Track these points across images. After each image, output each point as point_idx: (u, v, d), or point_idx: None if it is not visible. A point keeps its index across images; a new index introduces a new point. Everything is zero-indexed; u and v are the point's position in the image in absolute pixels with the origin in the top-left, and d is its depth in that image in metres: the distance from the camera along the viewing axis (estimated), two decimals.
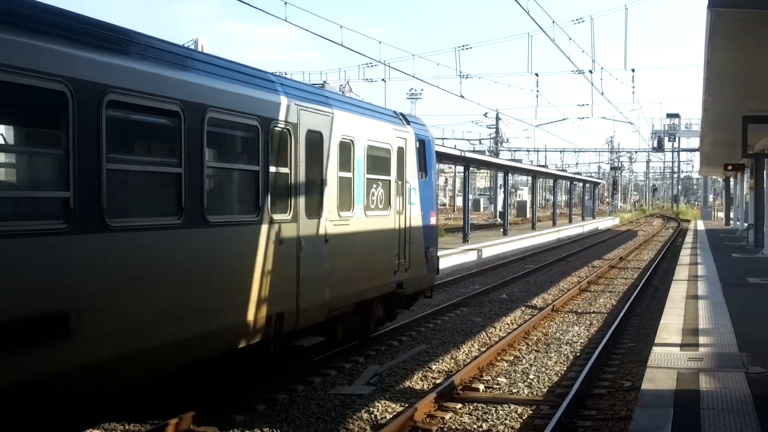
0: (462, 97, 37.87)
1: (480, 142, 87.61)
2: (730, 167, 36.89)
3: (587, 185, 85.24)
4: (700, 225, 58.91)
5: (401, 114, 15.17)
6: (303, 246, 10.70)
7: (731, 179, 57.28)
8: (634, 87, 75.37)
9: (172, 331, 8.15)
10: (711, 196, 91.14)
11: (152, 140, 8.86)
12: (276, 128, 10.10)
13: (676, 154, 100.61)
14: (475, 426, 9.56)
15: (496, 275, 26.31)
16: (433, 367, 12.58)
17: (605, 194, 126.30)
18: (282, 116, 10.25)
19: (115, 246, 7.44)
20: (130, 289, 7.61)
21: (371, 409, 10.10)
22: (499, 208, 65.25)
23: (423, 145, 15.26)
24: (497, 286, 22.75)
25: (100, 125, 7.19)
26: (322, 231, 11.25)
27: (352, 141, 12.19)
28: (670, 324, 12.97)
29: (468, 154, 39.58)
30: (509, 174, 50.24)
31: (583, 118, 73.99)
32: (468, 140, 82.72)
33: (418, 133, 15.13)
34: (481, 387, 11.29)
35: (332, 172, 11.58)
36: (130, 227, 7.65)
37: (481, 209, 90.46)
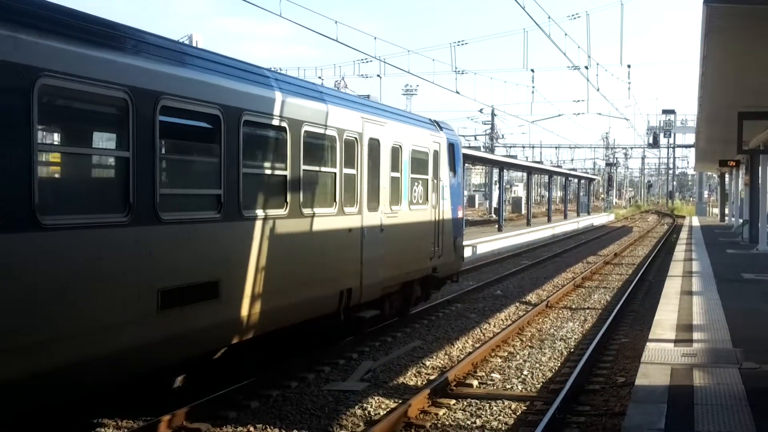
0: (457, 93, 37.89)
1: (475, 138, 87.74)
2: (725, 163, 36.92)
3: (582, 181, 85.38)
4: (695, 221, 59.02)
5: (435, 121, 17.38)
6: (365, 234, 12.92)
7: (726, 175, 57.35)
8: (629, 83, 75.18)
9: (283, 298, 10.49)
10: (706, 192, 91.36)
11: (270, 151, 10.71)
12: (347, 137, 12.33)
13: (671, 150, 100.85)
14: (468, 422, 9.54)
15: (491, 271, 26.31)
16: (427, 363, 12.56)
17: (600, 190, 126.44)
18: (352, 127, 12.53)
19: (247, 231, 9.68)
20: (258, 264, 9.83)
21: (365, 405, 10.08)
22: (494, 204, 65.27)
23: (452, 148, 17.48)
24: (492, 282, 22.74)
25: (239, 141, 9.43)
26: (378, 222, 13.47)
27: (400, 146, 14.41)
28: (665, 320, 12.97)
29: (463, 150, 39.52)
30: (504, 170, 50.25)
31: (578, 114, 73.99)
32: (463, 136, 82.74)
33: (449, 137, 17.40)
34: (475, 383, 11.27)
35: (385, 173, 13.77)
36: (257, 217, 9.88)
37: (476, 205, 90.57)
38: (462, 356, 13.05)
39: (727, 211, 56.93)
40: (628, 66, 63.54)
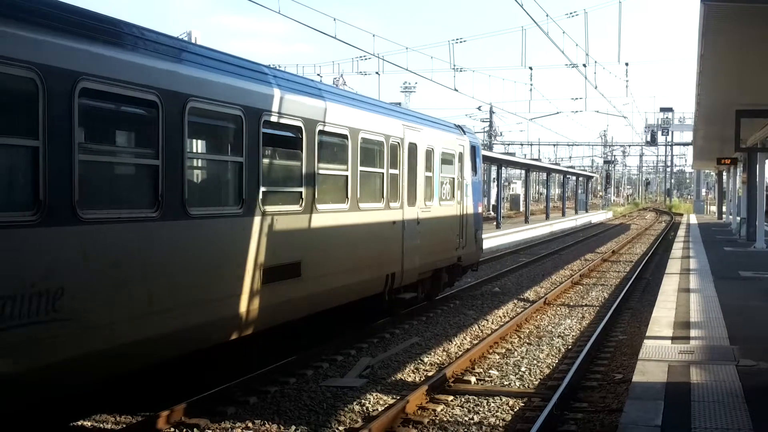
0: (456, 90, 37.89)
1: None
2: (723, 161, 36.99)
3: (580, 179, 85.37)
4: (693, 219, 59.10)
5: (459, 126, 19.52)
6: (405, 226, 14.84)
7: (724, 173, 57.42)
8: (627, 81, 75.36)
9: (341, 280, 12.34)
10: (704, 190, 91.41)
11: (337, 155, 12.58)
12: (392, 142, 14.31)
13: (669, 147, 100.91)
14: (466, 418, 9.57)
15: (489, 268, 26.34)
16: (426, 359, 12.59)
17: (598, 188, 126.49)
18: (395, 133, 14.47)
19: (320, 221, 11.59)
20: (324, 250, 11.78)
21: (363, 401, 10.10)
22: (492, 201, 65.30)
23: (474, 150, 19.46)
24: (490, 279, 22.77)
25: (316, 148, 11.40)
26: (415, 215, 15.36)
27: (432, 149, 16.31)
28: (662, 317, 13.01)
29: None
30: (502, 167, 50.27)
31: (576, 111, 74.11)
32: None
33: (471, 140, 19.44)
34: (473, 379, 11.30)
35: (421, 172, 15.63)
36: (327, 210, 11.79)
37: None
38: (460, 353, 13.08)
39: (724, 208, 56.99)
40: (626, 64, 63.71)
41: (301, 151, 11.15)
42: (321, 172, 11.68)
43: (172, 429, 8.94)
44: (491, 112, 76.38)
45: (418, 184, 15.45)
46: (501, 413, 9.78)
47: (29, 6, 6.85)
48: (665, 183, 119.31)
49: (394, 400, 10.03)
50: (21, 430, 7.76)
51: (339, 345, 13.05)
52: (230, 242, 9.52)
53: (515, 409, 9.96)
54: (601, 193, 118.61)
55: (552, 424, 9.10)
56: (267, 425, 9.16)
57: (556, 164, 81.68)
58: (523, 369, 12.10)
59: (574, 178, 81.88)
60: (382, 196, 13.93)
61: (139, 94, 7.97)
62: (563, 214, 65.99)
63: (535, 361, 12.64)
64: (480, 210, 20.31)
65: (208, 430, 9.00)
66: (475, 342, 13.96)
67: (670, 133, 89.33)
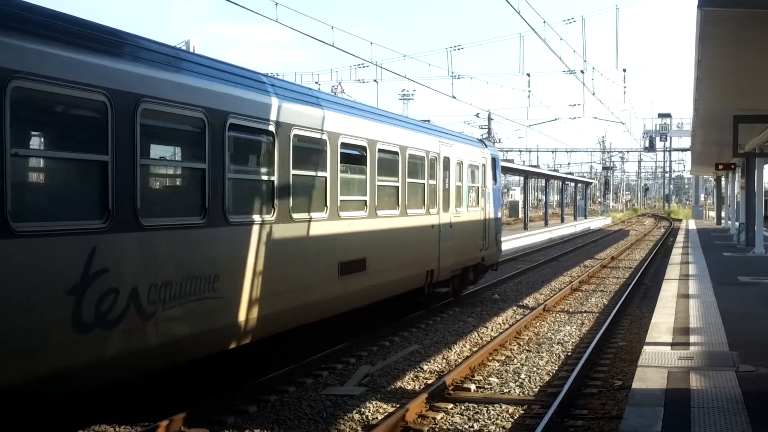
0: (454, 97, 37.75)
1: None
2: (721, 166, 37.00)
3: (579, 185, 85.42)
4: (692, 224, 59.09)
5: (482, 140, 23.07)
6: (441, 229, 16.94)
7: (722, 178, 57.44)
8: (625, 87, 75.43)
9: (394, 275, 14.56)
10: (702, 196, 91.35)
11: (391, 169, 14.64)
12: (431, 156, 16.49)
13: (667, 153, 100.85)
14: (466, 426, 9.55)
15: (488, 275, 26.27)
16: (425, 367, 12.57)
17: (597, 194, 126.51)
18: (433, 149, 16.69)
19: (380, 224, 13.92)
20: (383, 249, 14.01)
21: (362, 409, 10.09)
22: None
23: (494, 162, 21.65)
24: (489, 286, 22.75)
25: (376, 163, 13.73)
26: (449, 220, 17.48)
27: (462, 162, 18.50)
28: (661, 323, 12.99)
29: None
30: (501, 174, 50.24)
31: (574, 118, 74.07)
32: None
33: (492, 153, 21.62)
34: (473, 387, 11.29)
35: (453, 182, 17.75)
36: (384, 215, 14.15)
37: None
38: (460, 360, 13.07)
39: (723, 214, 57.01)
40: (624, 70, 63.84)
41: (365, 165, 13.45)
42: (379, 183, 13.93)
43: None
44: (489, 119, 76.37)
45: (450, 193, 17.64)
46: (501, 421, 9.77)
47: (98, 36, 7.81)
48: (664, 189, 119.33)
49: (393, 408, 10.02)
50: None
51: (338, 353, 13.03)
52: (317, 242, 11.78)
53: (515, 417, 9.95)
54: (599, 199, 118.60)
55: (552, 431, 9.09)
56: None
57: (555, 171, 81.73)
58: (522, 376, 12.08)
59: (572, 184, 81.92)
60: (424, 203, 16.08)
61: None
62: (562, 221, 65.99)
63: (534, 368, 12.63)
64: (499, 215, 22.60)
65: None
66: (475, 349, 13.94)
67: (668, 138, 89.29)
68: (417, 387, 11.37)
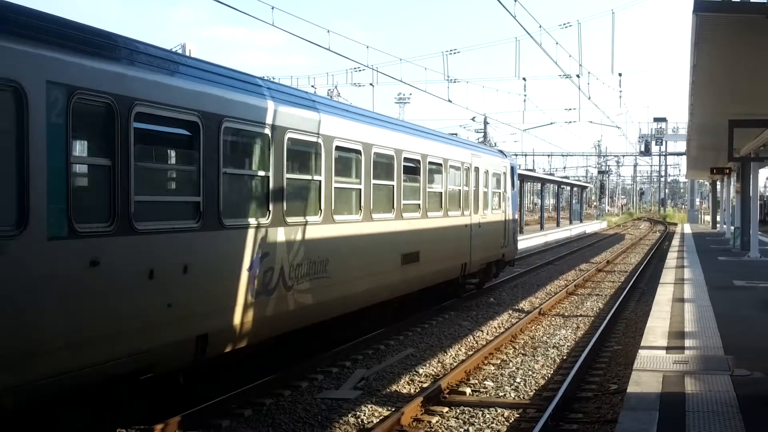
0: (450, 101, 37.76)
1: None
2: (716, 171, 37.06)
3: (575, 189, 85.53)
4: (687, 228, 59.22)
5: (502, 151, 26.48)
6: (472, 229, 19.70)
7: (718, 183, 57.57)
8: (621, 91, 75.37)
9: (439, 266, 17.31)
10: (698, 200, 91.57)
11: (438, 178, 17.50)
12: (465, 167, 19.27)
13: (663, 157, 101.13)
14: (461, 429, 9.55)
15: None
16: (420, 371, 12.57)
17: (593, 198, 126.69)
18: (467, 160, 19.54)
19: (428, 222, 16.60)
20: (431, 244, 16.59)
21: (358, 413, 10.09)
22: None
23: (513, 170, 24.60)
24: (485, 290, 22.75)
25: (427, 173, 16.37)
26: (478, 221, 20.25)
27: (488, 171, 21.47)
28: (656, 327, 13.02)
29: None
30: None
31: (570, 122, 74.04)
32: None
33: (510, 162, 24.72)
34: (468, 390, 11.29)
35: (481, 189, 20.65)
36: (432, 216, 16.78)
37: None
38: (455, 364, 13.07)
39: (718, 218, 57.13)
40: (620, 74, 63.70)
41: (418, 175, 16.14)
42: (429, 189, 16.69)
43: None
44: (485, 123, 76.44)
45: (479, 197, 20.44)
46: (496, 424, 9.77)
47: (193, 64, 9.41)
48: (659, 193, 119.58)
49: (389, 412, 10.01)
50: None
51: (334, 357, 13.03)
52: (390, 236, 14.62)
53: (510, 421, 9.95)
54: (595, 203, 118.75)
55: None
56: None
57: (551, 174, 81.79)
58: (518, 380, 12.09)
59: (568, 188, 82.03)
60: (460, 206, 18.81)
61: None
62: (558, 225, 66.06)
63: (530, 372, 12.63)
64: (516, 217, 25.52)
65: None
66: (470, 353, 13.95)
67: (663, 143, 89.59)
68: (412, 390, 11.37)
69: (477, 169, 20.21)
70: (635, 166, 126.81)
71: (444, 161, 17.67)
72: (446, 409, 10.34)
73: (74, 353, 7.20)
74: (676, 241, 41.20)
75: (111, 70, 7.80)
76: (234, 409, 10.01)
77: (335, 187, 12.28)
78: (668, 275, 22.20)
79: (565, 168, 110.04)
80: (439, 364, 13.11)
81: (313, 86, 51.72)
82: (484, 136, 78.67)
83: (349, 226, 12.94)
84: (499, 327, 16.93)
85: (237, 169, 10.06)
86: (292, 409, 10.24)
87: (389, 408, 10.29)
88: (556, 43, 28.04)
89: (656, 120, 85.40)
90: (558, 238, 54.08)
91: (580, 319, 18.25)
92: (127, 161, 7.80)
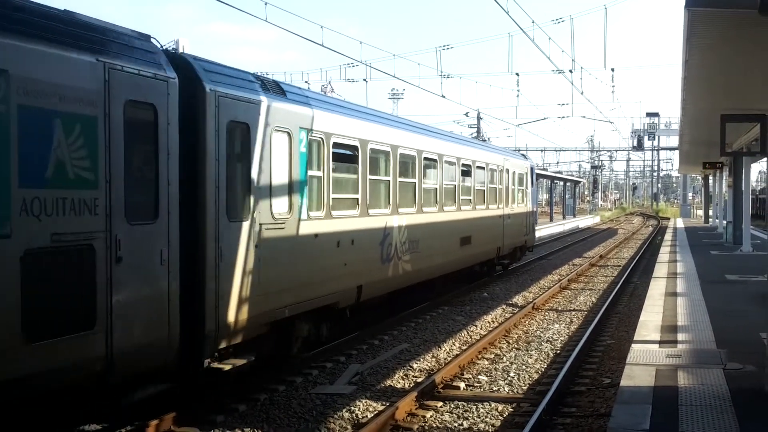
0: (443, 96, 37.73)
1: None
2: (709, 165, 37.16)
3: (568, 184, 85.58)
4: (680, 223, 59.34)
5: (523, 154, 32.89)
6: (504, 219, 24.28)
7: (710, 177, 57.69)
8: (613, 86, 75.47)
9: (483, 247, 21.85)
10: (690, 194, 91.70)
11: (481, 178, 22.02)
12: (500, 168, 23.93)
13: (655, 152, 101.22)
14: (455, 424, 9.59)
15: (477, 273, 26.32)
16: (415, 365, 12.61)
17: (586, 193, 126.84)
18: (500, 163, 24.19)
19: (477, 215, 21.14)
20: (478, 230, 20.94)
21: (352, 408, 10.11)
22: None
23: (532, 170, 29.25)
24: (478, 285, 22.80)
25: (473, 175, 21.24)
26: (508, 212, 24.91)
27: (515, 171, 26.13)
28: (649, 321, 13.08)
29: None
30: None
31: (563, 117, 74.01)
32: None
33: (531, 163, 29.47)
34: (462, 385, 11.33)
35: (510, 186, 25.42)
36: (479, 208, 21.37)
37: None
38: (449, 359, 13.11)
39: (711, 212, 57.26)
40: (612, 69, 63.92)
41: (470, 176, 20.79)
42: (477, 187, 21.31)
43: None
44: (479, 118, 76.41)
45: (509, 193, 25.07)
46: (490, 419, 9.81)
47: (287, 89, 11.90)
48: (652, 187, 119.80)
49: (383, 407, 10.05)
50: None
51: (328, 352, 13.05)
52: (452, 222, 19.08)
53: (504, 415, 9.99)
54: (588, 198, 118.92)
55: (541, 429, 9.14)
56: None
57: (544, 169, 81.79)
58: (512, 374, 12.13)
59: (561, 183, 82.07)
60: (496, 201, 23.47)
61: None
62: (551, 219, 66.10)
63: (523, 366, 12.68)
64: (535, 209, 31.34)
65: None
66: (464, 348, 13.99)
67: (656, 137, 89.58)
68: (407, 385, 11.40)
69: (507, 170, 25.00)
70: (628, 160, 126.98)
71: (486, 165, 22.38)
72: (440, 403, 10.38)
73: (309, 289, 11.68)
74: (668, 236, 41.32)
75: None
76: (228, 404, 10.02)
77: (423, 187, 16.99)
78: (661, 269, 22.28)
79: (558, 163, 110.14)
80: (433, 359, 13.15)
81: (307, 82, 51.63)
82: (478, 132, 78.66)
83: (430, 215, 17.51)
84: (493, 322, 16.97)
85: (375, 175, 14.60)
86: (286, 404, 10.26)
87: (384, 403, 10.33)
88: (549, 39, 28.04)
89: (649, 115, 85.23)
90: (551, 233, 54.13)
91: (573, 313, 18.31)
92: (328, 174, 12.43)
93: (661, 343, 11.23)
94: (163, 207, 8.55)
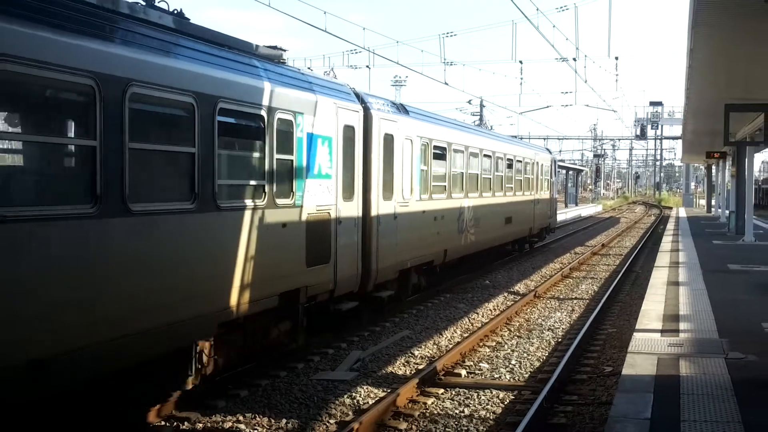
0: (446, 84, 37.61)
1: None
2: (712, 155, 37.09)
3: (570, 172, 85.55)
4: (682, 212, 59.29)
5: (547, 149, 37.24)
6: (535, 204, 29.01)
7: (713, 167, 57.60)
8: (617, 75, 75.53)
9: (520, 227, 26.98)
10: (693, 184, 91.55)
11: (515, 169, 26.42)
12: (531, 162, 28.82)
13: (658, 141, 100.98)
14: (457, 411, 9.60)
15: (479, 261, 26.31)
16: (416, 352, 12.62)
17: (588, 181, 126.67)
18: (532, 157, 29.12)
19: (515, 198, 26.02)
20: (517, 212, 26.04)
21: (354, 394, 10.13)
22: None
23: (554, 162, 34.13)
24: (481, 273, 22.81)
25: (513, 167, 26.03)
26: (537, 198, 29.51)
27: (542, 164, 30.92)
28: (651, 310, 13.07)
29: None
30: None
31: (566, 105, 73.81)
32: None
33: (553, 157, 34.36)
34: (464, 372, 11.34)
35: (539, 176, 30.04)
36: (518, 194, 26.53)
37: None
38: (450, 346, 13.12)
39: (713, 202, 57.20)
40: (616, 58, 63.81)
41: (512, 168, 25.23)
42: (516, 177, 25.68)
43: (163, 422, 8.95)
44: (481, 106, 76.23)
45: (538, 182, 29.66)
46: (491, 406, 9.82)
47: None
48: (655, 176, 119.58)
49: (384, 393, 10.06)
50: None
51: (330, 338, 13.07)
52: (499, 205, 23.39)
53: (506, 402, 10.00)
54: (591, 187, 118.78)
55: (542, 417, 9.15)
56: (258, 419, 9.18)
57: None
58: (513, 362, 12.14)
59: (564, 171, 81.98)
60: (529, 188, 28.14)
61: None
62: None
63: (525, 354, 12.69)
64: (555, 197, 35.38)
65: (198, 423, 9.01)
66: (466, 335, 14.00)
67: (659, 127, 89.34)
68: (408, 372, 11.42)
69: (537, 163, 29.67)
70: (631, 149, 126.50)
71: (522, 159, 26.92)
72: (442, 390, 10.39)
73: (419, 249, 16.40)
74: (671, 225, 41.28)
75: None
76: (230, 389, 10.04)
77: (483, 177, 21.52)
78: (663, 258, 22.26)
79: (561, 151, 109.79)
80: (435, 346, 13.16)
81: (309, 68, 51.52)
82: (480, 119, 78.50)
83: (487, 199, 21.79)
84: (495, 309, 16.98)
85: (454, 168, 19.04)
86: (288, 390, 10.28)
87: (385, 389, 10.34)
88: (553, 27, 27.93)
89: (652, 104, 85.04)
90: None
91: (575, 301, 18.31)
92: (430, 168, 17.25)
93: (662, 332, 11.22)
94: (357, 190, 13.18)
